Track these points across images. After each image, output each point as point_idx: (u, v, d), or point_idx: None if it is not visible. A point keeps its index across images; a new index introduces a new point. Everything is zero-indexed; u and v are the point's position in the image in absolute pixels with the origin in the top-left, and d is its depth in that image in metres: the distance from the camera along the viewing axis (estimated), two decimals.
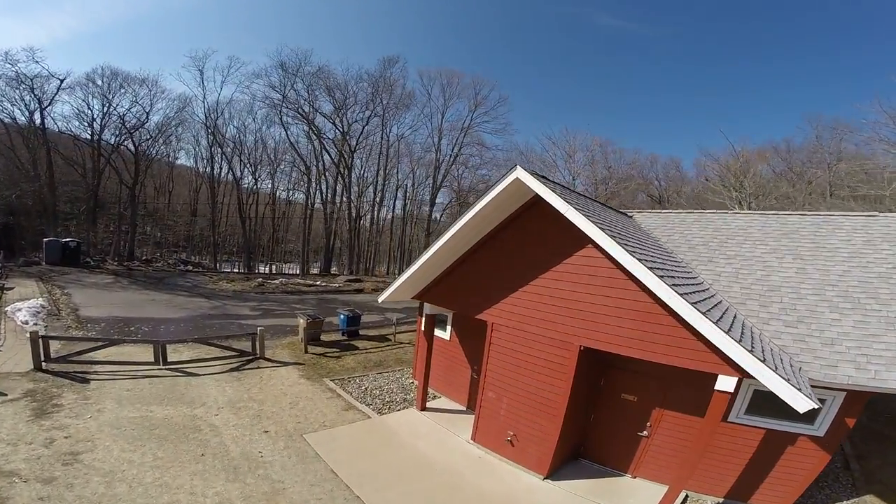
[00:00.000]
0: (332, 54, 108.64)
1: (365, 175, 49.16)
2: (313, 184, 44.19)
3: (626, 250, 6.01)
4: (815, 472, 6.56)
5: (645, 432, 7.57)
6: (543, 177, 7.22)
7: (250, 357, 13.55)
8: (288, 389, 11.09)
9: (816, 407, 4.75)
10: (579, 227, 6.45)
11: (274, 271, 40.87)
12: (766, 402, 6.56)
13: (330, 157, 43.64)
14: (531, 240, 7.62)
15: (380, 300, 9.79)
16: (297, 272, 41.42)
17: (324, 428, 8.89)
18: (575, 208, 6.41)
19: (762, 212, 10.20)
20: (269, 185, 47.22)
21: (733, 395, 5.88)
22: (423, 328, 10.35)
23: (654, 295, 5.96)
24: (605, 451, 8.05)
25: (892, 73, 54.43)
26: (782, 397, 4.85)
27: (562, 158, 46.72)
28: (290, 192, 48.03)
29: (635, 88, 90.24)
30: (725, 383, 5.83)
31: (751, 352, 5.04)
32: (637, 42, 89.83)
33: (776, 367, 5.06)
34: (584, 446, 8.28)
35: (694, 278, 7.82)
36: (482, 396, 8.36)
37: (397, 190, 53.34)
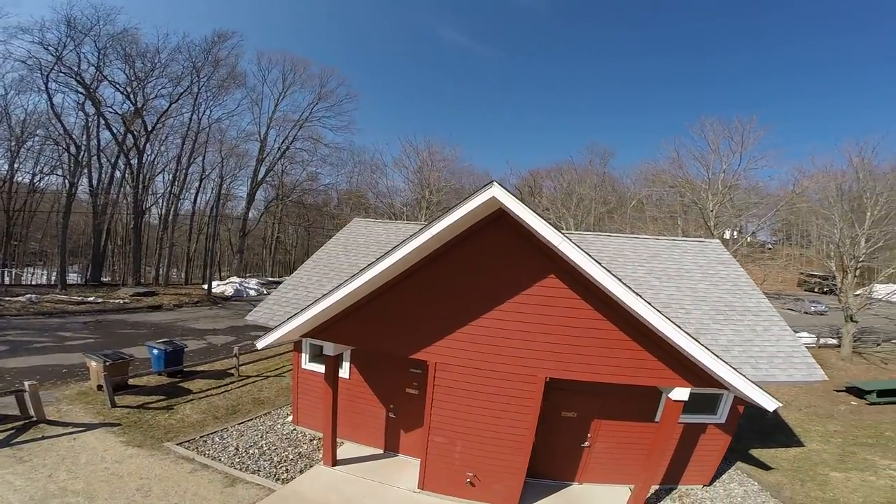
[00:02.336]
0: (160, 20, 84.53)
1: (155, 161, 39.57)
2: (81, 168, 32.95)
3: (628, 286, 5.87)
4: (724, 450, 8.14)
5: (586, 443, 7.96)
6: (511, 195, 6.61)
7: (22, 421, 9.00)
8: (119, 468, 7.61)
9: (780, 406, 5.72)
10: (576, 262, 5.81)
11: (12, 282, 28.46)
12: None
13: (112, 134, 33.42)
14: (481, 267, 6.73)
15: (260, 346, 7.42)
16: (53, 283, 29.96)
17: None
18: (569, 241, 5.80)
19: (629, 235, 12.16)
20: (6, 167, 33.20)
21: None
22: (311, 370, 9.29)
23: (629, 321, 6.22)
24: (549, 465, 8.14)
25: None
26: (756, 401, 5.69)
27: (391, 161, 47.25)
28: (40, 176, 34.64)
29: (464, 100, 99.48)
30: (680, 394, 6.55)
31: (735, 369, 5.72)
32: (473, 58, 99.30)
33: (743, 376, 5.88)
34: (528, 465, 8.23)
35: None
36: (429, 442, 7.31)
37: (201, 181, 44.80)
